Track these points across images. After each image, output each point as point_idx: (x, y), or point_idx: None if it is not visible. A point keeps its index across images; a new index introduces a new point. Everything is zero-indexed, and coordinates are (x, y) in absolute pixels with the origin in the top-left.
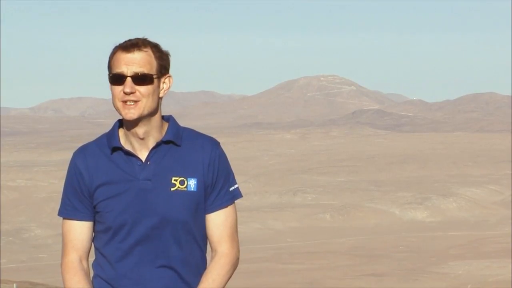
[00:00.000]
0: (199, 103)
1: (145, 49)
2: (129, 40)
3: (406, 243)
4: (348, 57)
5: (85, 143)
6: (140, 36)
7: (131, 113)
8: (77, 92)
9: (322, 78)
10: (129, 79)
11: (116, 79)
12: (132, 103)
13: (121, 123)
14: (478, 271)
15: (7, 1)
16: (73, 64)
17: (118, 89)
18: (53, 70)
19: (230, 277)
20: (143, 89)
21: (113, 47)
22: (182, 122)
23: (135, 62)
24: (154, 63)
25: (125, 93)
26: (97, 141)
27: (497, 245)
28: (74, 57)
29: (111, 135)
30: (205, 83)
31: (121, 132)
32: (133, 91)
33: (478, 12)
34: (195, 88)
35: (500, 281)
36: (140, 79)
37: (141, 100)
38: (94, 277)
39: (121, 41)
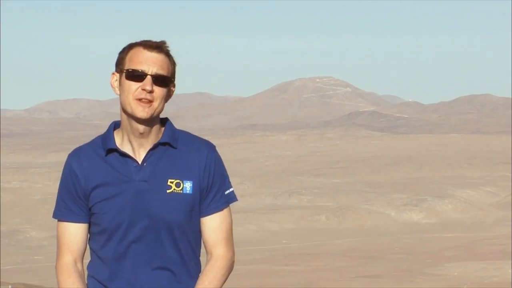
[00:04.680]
0: (195, 104)
1: (165, 53)
2: (151, 41)
3: (402, 245)
4: (344, 58)
5: (80, 144)
6: (141, 37)
7: (145, 112)
8: (72, 93)
9: (317, 80)
10: (149, 78)
11: (135, 75)
12: (147, 102)
13: (116, 124)
14: (474, 272)
15: (1, 2)
16: (68, 66)
17: (135, 85)
18: (48, 72)
19: (225, 280)
20: (160, 90)
21: (130, 43)
22: (178, 124)
23: (157, 63)
24: (170, 68)
25: (144, 90)
26: (92, 143)
27: (493, 246)
28: (69, 58)
29: (106, 136)
30: (201, 85)
31: (117, 133)
32: (152, 90)
33: (474, 13)
34: (190, 90)
35: (496, 283)
36: (159, 80)
37: (155, 101)
38: (88, 277)
39: (115, 41)
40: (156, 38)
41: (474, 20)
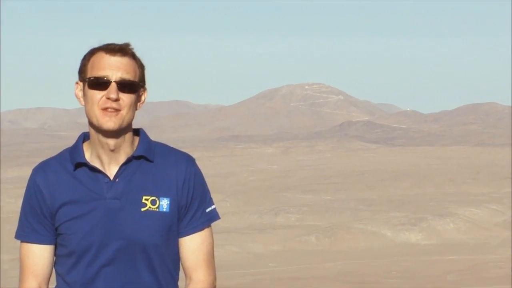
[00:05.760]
0: (172, 113)
1: (130, 55)
2: (113, 44)
3: (399, 268)
4: (335, 63)
5: (45, 158)
6: (105, 41)
7: (112, 122)
8: (36, 102)
9: (306, 87)
10: (114, 85)
11: (98, 83)
12: (113, 111)
13: (85, 136)
14: None
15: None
16: (31, 71)
17: (99, 94)
18: (9, 78)
19: None
20: (127, 97)
21: (92, 48)
22: (153, 135)
23: (121, 68)
24: (138, 72)
25: (109, 99)
26: (59, 157)
27: (499, 270)
28: (32, 64)
29: (75, 149)
30: (178, 92)
31: (86, 146)
32: (118, 98)
33: (477, 14)
34: (167, 98)
35: None
36: (126, 86)
37: (123, 109)
38: None
39: (84, 45)
40: (126, 41)
41: (477, 21)
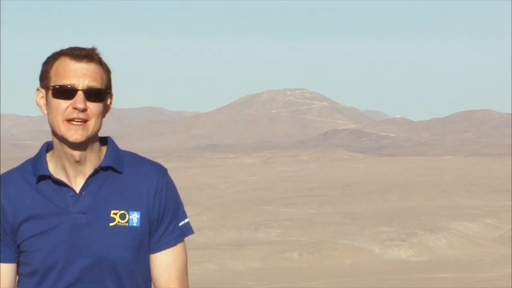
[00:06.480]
0: (144, 121)
1: (97, 61)
2: (79, 49)
3: (388, 286)
4: (319, 67)
5: (7, 169)
6: (66, 44)
7: (79, 135)
8: None
9: (288, 92)
10: (81, 93)
11: (63, 92)
12: (80, 122)
13: (49, 146)
14: None
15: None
16: None
17: (65, 104)
18: None
19: None
20: (95, 106)
21: (54, 52)
22: (123, 144)
23: (88, 75)
24: (104, 78)
25: (76, 109)
26: (21, 168)
27: None
28: None
29: (38, 160)
30: (151, 98)
31: (50, 156)
32: (86, 108)
33: (471, 17)
34: (139, 104)
35: None
36: (93, 94)
37: (90, 119)
38: None
39: (48, 47)
40: (95, 42)
41: (471, 24)
